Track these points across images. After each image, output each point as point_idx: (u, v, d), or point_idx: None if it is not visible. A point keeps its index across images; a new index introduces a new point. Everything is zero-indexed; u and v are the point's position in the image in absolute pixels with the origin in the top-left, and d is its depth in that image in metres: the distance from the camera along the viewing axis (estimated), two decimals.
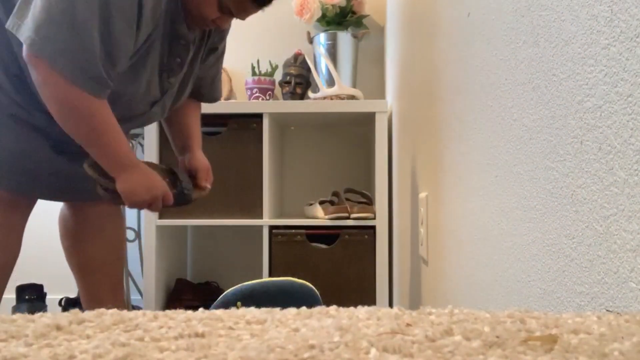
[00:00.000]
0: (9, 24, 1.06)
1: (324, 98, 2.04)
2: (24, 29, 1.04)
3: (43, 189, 1.31)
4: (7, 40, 1.15)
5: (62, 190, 1.35)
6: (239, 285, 1.00)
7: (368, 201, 1.93)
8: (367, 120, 2.01)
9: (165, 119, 1.44)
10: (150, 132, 1.95)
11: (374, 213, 1.88)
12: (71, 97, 1.08)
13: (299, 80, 2.22)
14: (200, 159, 1.41)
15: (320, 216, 1.92)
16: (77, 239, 1.45)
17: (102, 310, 0.38)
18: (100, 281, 1.46)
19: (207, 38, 1.37)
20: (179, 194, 1.28)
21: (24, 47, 1.05)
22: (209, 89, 1.47)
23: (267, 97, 2.24)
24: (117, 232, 1.51)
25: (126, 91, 1.20)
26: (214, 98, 1.50)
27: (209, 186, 1.40)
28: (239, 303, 0.96)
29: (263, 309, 0.39)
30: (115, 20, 1.06)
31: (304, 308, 0.39)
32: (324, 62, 2.14)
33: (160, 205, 1.24)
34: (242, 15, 1.25)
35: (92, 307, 1.42)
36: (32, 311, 0.40)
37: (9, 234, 1.28)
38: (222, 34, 1.42)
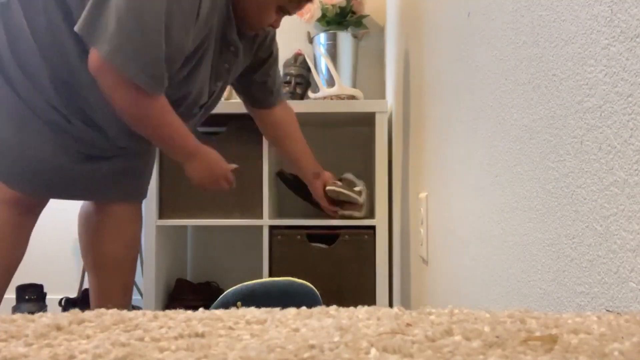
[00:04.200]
0: (80, 28, 1.09)
1: (324, 98, 2.04)
2: (99, 40, 1.09)
3: (62, 192, 1.33)
4: (60, 44, 1.16)
5: (84, 192, 1.36)
6: (239, 285, 1.00)
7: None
8: (367, 120, 2.01)
9: (277, 135, 1.68)
10: None
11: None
12: (139, 100, 1.14)
13: (299, 80, 2.22)
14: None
15: None
16: (97, 236, 1.45)
17: (102, 310, 0.38)
18: (114, 280, 1.46)
19: (257, 48, 1.45)
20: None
21: (97, 57, 1.09)
22: (272, 92, 1.59)
23: None
24: (136, 234, 1.51)
25: (187, 94, 1.26)
26: (280, 99, 1.64)
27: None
28: (239, 303, 0.96)
29: (263, 309, 0.39)
30: (176, 26, 1.12)
31: (304, 308, 0.39)
32: (324, 62, 2.14)
33: (226, 185, 1.40)
34: (297, 11, 1.34)
35: (101, 304, 1.43)
36: (32, 311, 0.40)
37: (20, 235, 1.29)
38: (271, 40, 1.51)
